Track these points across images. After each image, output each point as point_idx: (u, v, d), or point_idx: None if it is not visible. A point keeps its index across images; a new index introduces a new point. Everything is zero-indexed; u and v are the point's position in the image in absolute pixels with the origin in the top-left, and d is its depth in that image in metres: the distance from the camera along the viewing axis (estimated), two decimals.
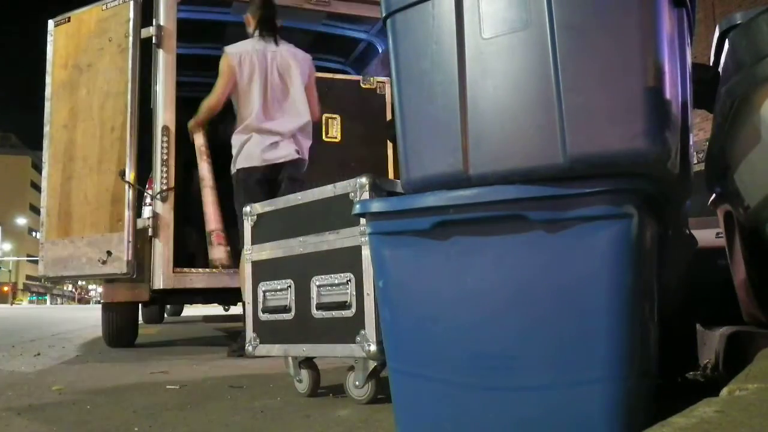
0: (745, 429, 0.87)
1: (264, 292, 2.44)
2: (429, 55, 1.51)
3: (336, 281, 2.17)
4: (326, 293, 2.20)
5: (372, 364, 2.09)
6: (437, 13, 1.49)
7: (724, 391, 1.15)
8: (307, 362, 2.37)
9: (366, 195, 2.06)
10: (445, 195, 1.42)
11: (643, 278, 1.35)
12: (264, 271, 2.46)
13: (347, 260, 2.13)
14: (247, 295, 2.52)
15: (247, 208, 2.55)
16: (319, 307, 2.22)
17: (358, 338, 2.07)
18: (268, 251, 2.44)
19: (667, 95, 1.35)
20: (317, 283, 2.23)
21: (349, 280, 2.12)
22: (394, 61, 1.58)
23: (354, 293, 2.10)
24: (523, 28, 1.38)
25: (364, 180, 2.07)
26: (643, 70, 1.31)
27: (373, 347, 2.01)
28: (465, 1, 1.46)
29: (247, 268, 2.54)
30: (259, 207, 2.51)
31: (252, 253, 2.51)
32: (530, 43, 1.38)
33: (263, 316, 2.43)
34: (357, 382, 2.15)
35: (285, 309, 2.34)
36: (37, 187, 60.40)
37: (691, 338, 2.06)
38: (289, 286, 2.34)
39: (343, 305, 2.13)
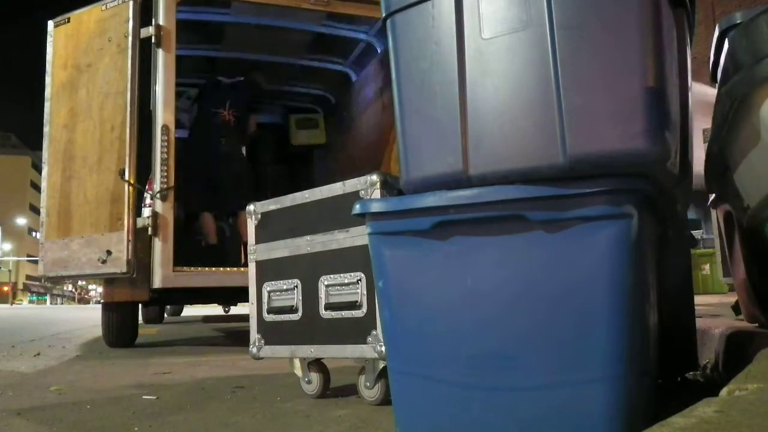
0: (745, 429, 0.87)
1: (269, 292, 2.41)
2: (429, 55, 1.50)
3: (346, 281, 2.14)
4: (335, 293, 2.18)
5: (382, 365, 2.05)
6: (437, 14, 1.49)
7: (724, 391, 1.15)
8: (317, 363, 2.35)
9: (377, 193, 2.02)
10: (445, 195, 1.42)
11: (643, 278, 1.35)
12: (269, 270, 2.43)
13: (358, 259, 2.10)
14: (251, 296, 2.50)
15: (251, 207, 2.52)
16: (328, 307, 2.19)
17: (369, 339, 2.04)
18: (273, 251, 2.42)
19: (667, 95, 1.35)
20: (326, 283, 2.21)
21: (360, 280, 2.10)
22: (394, 61, 1.58)
23: (365, 293, 2.08)
24: (522, 28, 1.38)
25: (375, 177, 2.03)
26: (642, 71, 1.31)
27: (384, 348, 2.00)
28: (465, 2, 1.46)
29: (251, 268, 2.52)
30: (264, 205, 2.48)
31: (256, 252, 2.49)
32: (530, 43, 1.38)
33: (268, 317, 2.41)
34: (368, 383, 2.12)
35: (292, 309, 2.31)
36: (37, 187, 60.36)
37: (691, 338, 2.06)
38: (296, 286, 2.31)
39: (354, 305, 2.10)
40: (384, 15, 1.60)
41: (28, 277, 78.51)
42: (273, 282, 2.41)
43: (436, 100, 1.49)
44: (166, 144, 4.05)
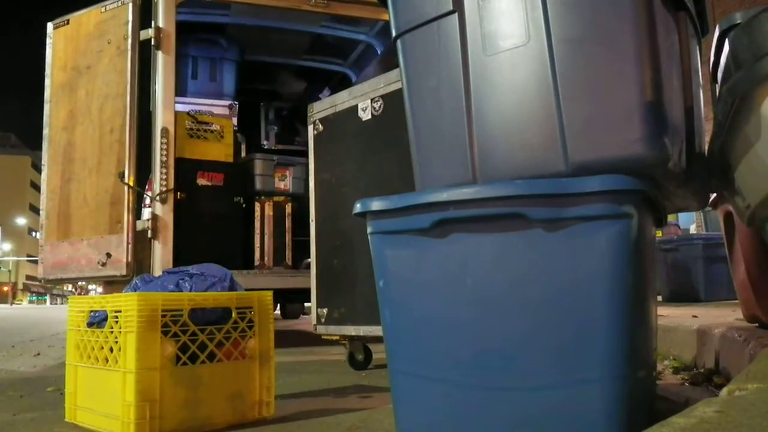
0: (745, 429, 0.86)
1: None
2: (436, 73, 1.56)
3: None
4: None
5: None
6: (442, 33, 1.55)
7: (724, 392, 1.15)
8: None
9: None
10: (445, 191, 1.42)
11: (643, 278, 1.35)
12: None
13: None
14: None
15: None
16: None
17: None
18: None
19: (666, 101, 1.37)
20: None
21: None
22: (405, 78, 1.65)
23: None
24: (523, 43, 1.43)
25: None
26: (638, 79, 1.35)
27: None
28: (467, 21, 1.51)
29: None
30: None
31: None
32: (530, 57, 1.42)
33: None
34: None
35: None
36: (36, 187, 60.34)
37: None
38: None
39: None
40: (394, 35, 1.66)
41: (28, 277, 78.51)
42: None
43: (445, 116, 1.54)
44: (165, 146, 4.04)
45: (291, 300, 8.03)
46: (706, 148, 1.79)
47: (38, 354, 4.39)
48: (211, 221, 4.52)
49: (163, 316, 1.74)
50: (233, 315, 1.88)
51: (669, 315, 3.52)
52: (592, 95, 1.37)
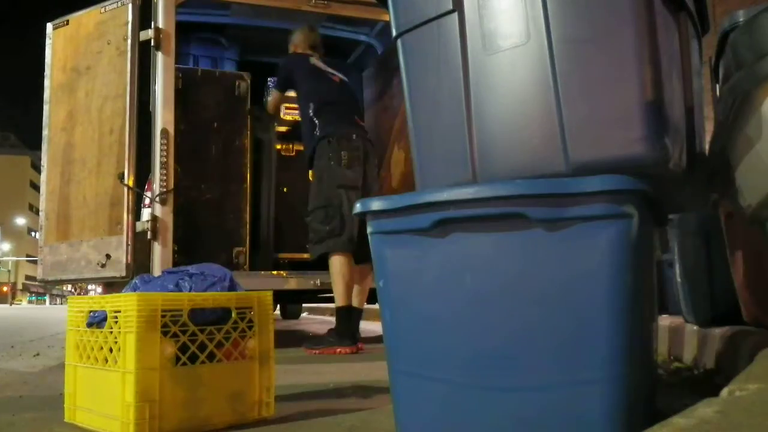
0: (745, 429, 0.86)
1: None
2: (436, 72, 1.56)
3: None
4: None
5: None
6: (442, 33, 1.55)
7: (724, 392, 1.15)
8: None
9: None
10: (445, 191, 1.42)
11: (643, 278, 1.35)
12: None
13: None
14: None
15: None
16: None
17: None
18: None
19: (666, 101, 1.37)
20: None
21: None
22: (406, 78, 1.65)
23: None
24: (523, 43, 1.43)
25: None
26: (639, 79, 1.35)
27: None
28: (467, 20, 1.50)
29: None
30: None
31: None
32: (530, 57, 1.42)
33: None
34: None
35: None
36: (36, 187, 60.27)
37: None
38: None
39: None
40: (394, 35, 1.66)
41: (28, 277, 78.55)
42: None
43: (445, 116, 1.54)
44: (165, 147, 4.04)
45: (291, 300, 8.05)
46: (707, 148, 1.79)
47: (38, 354, 4.38)
48: None
49: (163, 316, 1.74)
50: (233, 315, 1.88)
51: (669, 315, 3.52)
52: (593, 95, 1.37)
